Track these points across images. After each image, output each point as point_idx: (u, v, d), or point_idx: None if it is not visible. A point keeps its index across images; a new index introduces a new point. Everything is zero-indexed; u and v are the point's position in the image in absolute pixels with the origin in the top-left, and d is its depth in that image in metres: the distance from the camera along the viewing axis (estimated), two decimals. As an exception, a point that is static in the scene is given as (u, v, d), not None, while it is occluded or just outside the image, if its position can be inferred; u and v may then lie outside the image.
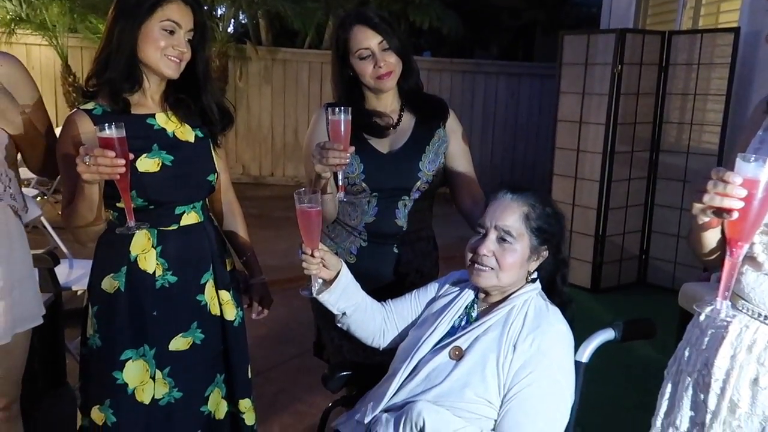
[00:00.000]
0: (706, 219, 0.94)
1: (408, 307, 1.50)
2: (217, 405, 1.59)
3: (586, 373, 1.32)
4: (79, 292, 2.84)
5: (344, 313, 1.43)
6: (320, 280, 1.39)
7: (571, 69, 4.25)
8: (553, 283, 1.38)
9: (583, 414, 1.31)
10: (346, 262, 1.67)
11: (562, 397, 1.23)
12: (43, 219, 3.09)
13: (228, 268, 1.60)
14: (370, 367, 1.60)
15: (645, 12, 5.30)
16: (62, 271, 2.65)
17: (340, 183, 1.52)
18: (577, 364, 1.29)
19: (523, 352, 1.23)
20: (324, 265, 1.36)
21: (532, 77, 7.61)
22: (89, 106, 1.41)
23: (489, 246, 1.31)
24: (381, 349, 1.51)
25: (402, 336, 1.48)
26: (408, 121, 1.72)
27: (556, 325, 1.28)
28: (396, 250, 1.70)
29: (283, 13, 6.37)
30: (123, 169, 1.23)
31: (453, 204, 1.79)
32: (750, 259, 1.00)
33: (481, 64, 7.87)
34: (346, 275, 1.41)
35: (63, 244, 3.21)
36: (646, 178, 4.29)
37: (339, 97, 1.70)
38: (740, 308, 1.03)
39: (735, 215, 0.89)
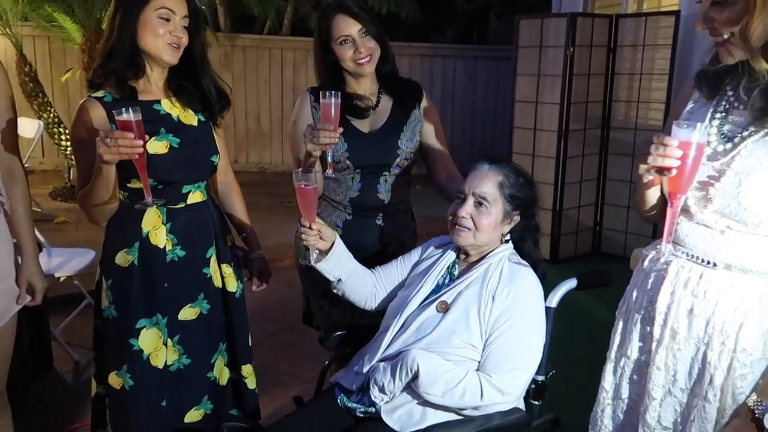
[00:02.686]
0: (651, 177, 1.13)
1: (395, 271, 1.66)
2: (221, 371, 1.72)
3: (554, 334, 1.51)
4: (62, 279, 2.90)
5: (339, 280, 1.58)
6: (317, 251, 1.53)
7: (526, 52, 4.46)
8: (525, 244, 1.56)
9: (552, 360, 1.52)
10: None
11: (536, 338, 1.43)
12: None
13: (228, 244, 1.73)
14: (361, 327, 1.77)
15: (594, -4, 5.56)
16: (41, 260, 2.70)
17: (329, 161, 1.65)
18: (547, 309, 1.49)
19: (500, 302, 1.42)
20: (320, 237, 1.50)
21: (488, 60, 7.81)
22: (100, 93, 1.51)
23: (467, 209, 1.49)
24: (373, 310, 1.67)
25: (391, 297, 1.64)
26: (386, 102, 1.85)
27: (527, 278, 1.47)
28: (379, 222, 1.84)
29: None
30: (141, 149, 1.34)
31: (431, 179, 1.94)
32: (684, 211, 1.19)
33: (438, 47, 8.02)
34: (339, 245, 1.56)
35: (39, 233, 3.25)
36: (598, 154, 4.56)
37: (322, 81, 1.82)
38: (676, 252, 1.22)
39: (673, 172, 1.07)
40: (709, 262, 1.16)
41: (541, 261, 1.58)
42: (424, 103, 1.91)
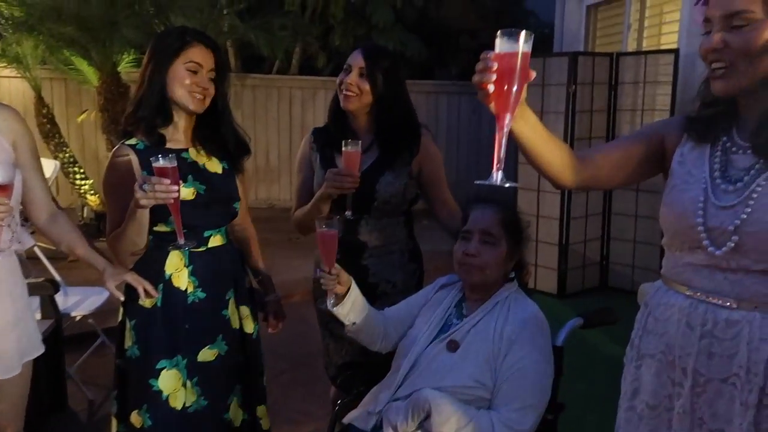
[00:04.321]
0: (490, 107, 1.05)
1: (404, 311, 1.71)
2: (235, 413, 1.76)
3: (563, 371, 1.55)
4: (77, 318, 2.95)
5: (354, 323, 1.63)
6: (335, 295, 1.58)
7: (530, 89, 4.50)
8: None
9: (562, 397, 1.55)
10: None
11: (544, 375, 1.47)
12: (36, 249, 3.19)
13: (246, 286, 1.79)
14: (373, 365, 1.81)
15: (594, 34, 5.70)
16: (58, 299, 2.76)
17: (349, 203, 1.72)
18: (554, 348, 1.53)
19: (509, 339, 1.47)
20: (338, 282, 1.56)
21: (492, 96, 7.94)
22: (132, 141, 1.61)
23: (475, 246, 1.55)
24: (383, 352, 1.71)
25: (401, 338, 1.69)
26: (375, 148, 1.87)
27: (535, 316, 1.52)
28: (365, 262, 1.86)
29: (252, 40, 6.56)
30: (177, 194, 1.43)
31: (435, 218, 1.98)
32: (696, 250, 1.16)
33: (443, 84, 8.20)
34: (355, 290, 1.61)
35: (56, 272, 3.32)
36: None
37: (330, 111, 1.92)
38: (685, 293, 1.19)
39: (491, 88, 1.00)
40: (724, 302, 1.14)
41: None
42: (423, 147, 1.90)
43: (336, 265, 1.55)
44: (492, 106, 1.04)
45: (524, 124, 1.13)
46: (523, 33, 0.98)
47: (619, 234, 4.62)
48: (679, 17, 4.57)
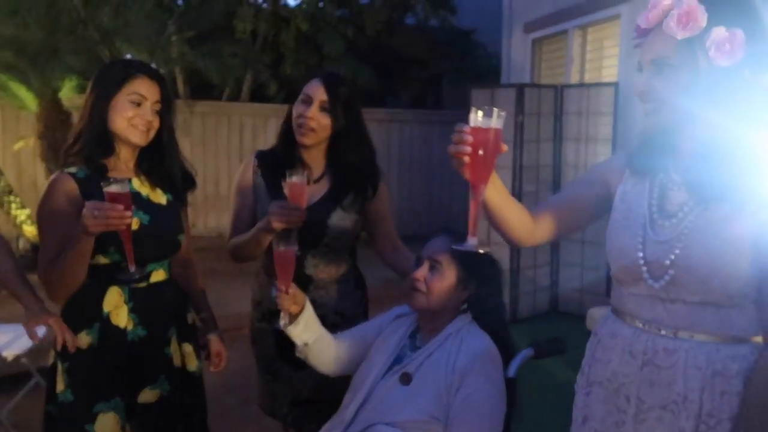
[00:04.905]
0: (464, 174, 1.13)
1: (358, 336, 1.68)
2: None
3: (516, 401, 1.53)
4: (8, 359, 2.77)
5: (306, 344, 1.58)
6: (288, 315, 1.54)
7: (478, 119, 4.65)
8: (485, 320, 1.57)
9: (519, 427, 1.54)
10: (269, 309, 1.82)
11: (497, 408, 1.46)
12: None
13: (189, 323, 1.72)
14: (324, 402, 1.76)
15: (539, 66, 5.90)
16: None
17: (295, 238, 1.59)
18: (507, 380, 1.52)
19: (461, 372, 1.45)
20: (294, 301, 1.52)
21: (443, 124, 8.10)
22: (72, 169, 1.54)
23: (422, 272, 1.54)
24: (334, 375, 1.67)
25: (353, 362, 1.64)
26: (326, 181, 1.82)
27: (487, 348, 1.51)
28: (310, 296, 1.73)
29: (201, 68, 6.49)
30: (130, 220, 1.37)
31: (377, 252, 1.94)
32: (636, 282, 1.22)
33: (395, 112, 8.30)
34: (309, 309, 1.57)
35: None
36: (551, 215, 4.72)
37: (279, 137, 1.83)
38: (629, 323, 1.25)
39: (466, 159, 1.08)
40: (664, 331, 1.19)
41: (510, 342, 1.59)
42: (378, 191, 1.86)
43: (292, 284, 1.51)
44: (467, 175, 1.12)
45: (493, 190, 1.22)
46: (496, 110, 1.08)
47: (568, 259, 4.73)
48: (618, 52, 4.79)
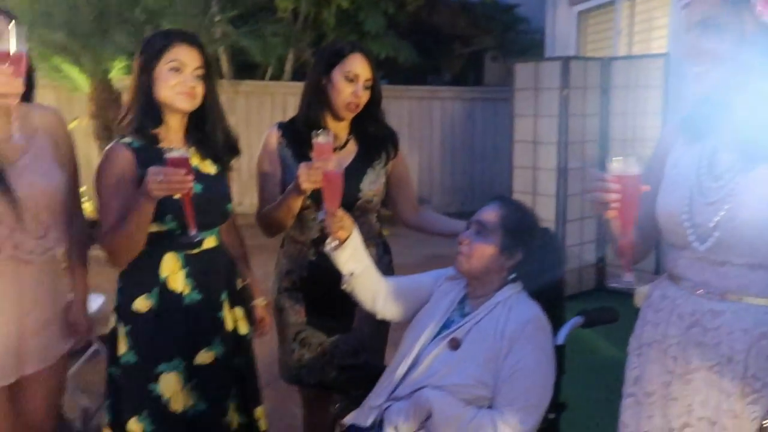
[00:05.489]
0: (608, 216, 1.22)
1: (408, 285, 1.70)
2: (232, 416, 1.73)
3: (563, 371, 1.54)
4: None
5: (352, 273, 1.59)
6: (336, 240, 1.55)
7: (523, 94, 4.59)
8: (549, 301, 1.58)
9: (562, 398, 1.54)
10: (300, 276, 1.87)
11: (546, 375, 1.46)
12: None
13: (238, 288, 1.77)
14: (369, 367, 1.79)
15: (585, 39, 5.75)
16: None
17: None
18: (556, 347, 1.52)
19: (510, 339, 1.46)
20: (341, 226, 1.53)
21: (485, 101, 8.00)
22: (127, 140, 1.59)
23: (466, 235, 1.55)
24: (378, 316, 1.69)
25: (398, 307, 1.66)
26: (352, 145, 1.87)
27: (537, 315, 1.51)
28: None
29: (244, 47, 6.56)
30: (191, 184, 1.42)
31: (401, 220, 1.99)
32: (683, 246, 1.24)
33: (436, 90, 8.23)
34: (356, 237, 1.58)
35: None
36: (597, 191, 4.63)
37: (304, 107, 1.84)
38: (679, 285, 1.26)
39: (614, 206, 1.18)
40: (713, 294, 1.21)
41: (560, 311, 1.60)
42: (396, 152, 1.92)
43: (340, 207, 1.52)
44: (614, 220, 1.22)
45: None
46: (634, 158, 1.18)
47: (613, 236, 4.62)
48: (667, 22, 4.62)
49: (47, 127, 1.57)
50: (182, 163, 1.42)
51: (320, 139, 1.58)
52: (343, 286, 1.64)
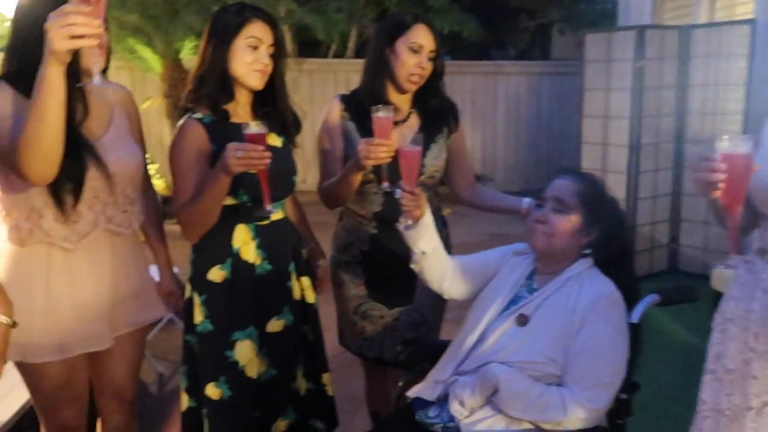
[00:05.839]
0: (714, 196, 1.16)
1: (475, 263, 1.67)
2: (300, 382, 1.78)
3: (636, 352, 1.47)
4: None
5: (423, 252, 1.58)
6: (410, 221, 1.54)
7: (594, 66, 4.40)
8: (610, 271, 1.52)
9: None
10: (360, 250, 1.87)
11: (620, 354, 1.41)
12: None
13: (304, 258, 1.80)
14: (432, 342, 1.79)
15: (662, 7, 5.43)
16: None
17: (385, 174, 1.65)
18: (630, 325, 1.46)
19: (582, 315, 1.41)
20: (417, 204, 1.52)
21: (552, 75, 7.75)
22: (198, 115, 1.61)
23: (545, 212, 1.50)
24: (445, 296, 1.68)
25: (466, 285, 1.65)
26: (414, 119, 1.85)
27: (610, 292, 1.46)
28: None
29: (309, 24, 6.59)
30: (269, 160, 1.45)
31: (457, 196, 1.97)
32: None
33: (501, 65, 8.04)
34: (429, 216, 1.57)
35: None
36: (672, 168, 4.42)
37: (367, 79, 1.82)
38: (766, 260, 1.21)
39: (720, 186, 1.12)
40: None
41: (635, 288, 1.54)
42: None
43: (416, 186, 1.50)
44: (722, 200, 1.18)
45: None
46: (741, 137, 1.15)
47: (691, 215, 4.41)
48: (756, -15, 4.29)
49: (121, 103, 1.61)
50: (260, 139, 1.44)
51: (380, 114, 1.57)
52: (412, 265, 1.63)
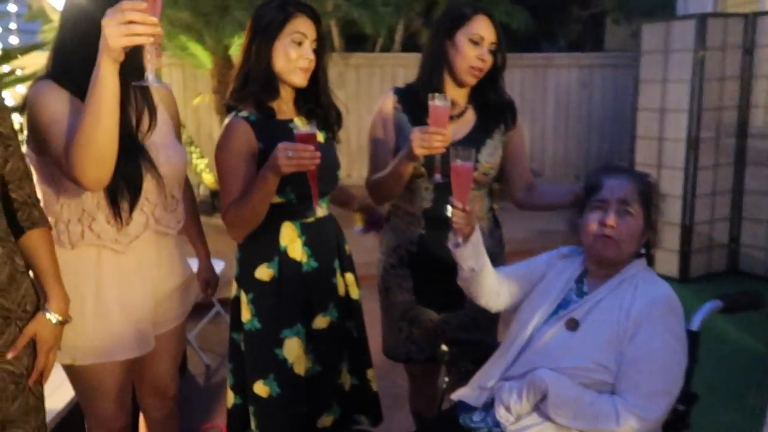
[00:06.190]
0: None
1: (522, 274, 1.61)
2: (345, 378, 1.77)
3: (696, 360, 1.40)
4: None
5: (472, 269, 1.53)
6: (460, 238, 1.50)
7: (650, 57, 4.22)
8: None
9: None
10: (408, 251, 1.81)
11: (677, 361, 1.33)
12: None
13: (347, 253, 1.78)
14: (480, 342, 1.74)
15: (725, -6, 5.17)
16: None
17: (438, 165, 1.59)
18: (689, 332, 1.38)
19: (637, 320, 1.34)
20: (467, 221, 1.47)
21: (604, 67, 7.50)
22: (244, 113, 1.59)
23: (613, 218, 1.41)
24: (492, 310, 1.63)
25: (513, 300, 1.60)
26: (470, 114, 1.79)
27: (667, 295, 1.38)
28: None
29: (356, 19, 6.58)
30: (318, 161, 1.42)
31: (512, 199, 1.90)
32: None
33: (551, 57, 7.82)
34: (478, 232, 1.52)
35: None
36: (734, 164, 4.20)
37: (425, 72, 1.76)
38: None
39: None
40: None
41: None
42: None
43: (468, 202, 1.46)
44: None
45: None
46: None
47: (753, 214, 4.19)
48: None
49: (164, 102, 1.58)
50: (311, 138, 1.42)
51: (437, 102, 1.51)
52: (459, 282, 1.59)
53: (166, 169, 1.48)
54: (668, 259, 4.17)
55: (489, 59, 1.70)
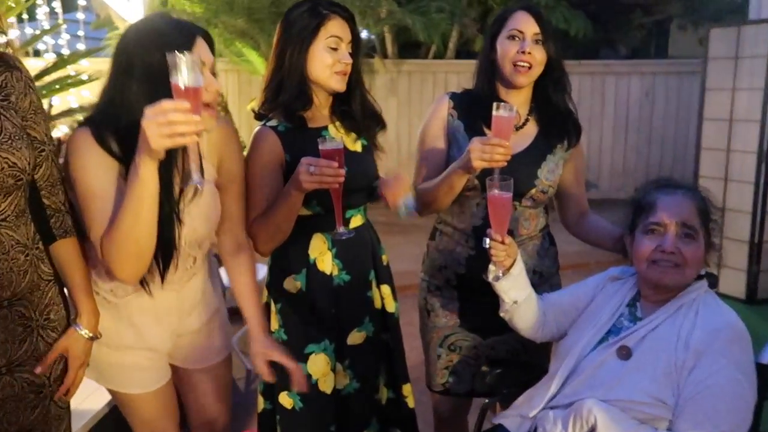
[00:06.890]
0: None
1: (567, 301, 1.52)
2: (381, 392, 1.71)
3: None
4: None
5: (515, 302, 1.45)
6: (500, 270, 1.42)
7: (718, 64, 3.98)
8: None
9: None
10: (456, 273, 1.70)
11: (744, 397, 1.20)
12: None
13: (384, 264, 1.70)
14: (525, 365, 1.64)
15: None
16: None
17: (497, 180, 1.45)
18: (759, 366, 1.24)
19: (698, 351, 1.22)
20: (507, 253, 1.40)
21: (668, 75, 7.18)
22: (273, 122, 1.53)
23: (674, 242, 1.30)
24: (537, 341, 1.54)
25: (560, 330, 1.50)
26: (532, 127, 1.68)
27: (731, 323, 1.25)
28: None
29: (409, 25, 6.53)
30: (343, 178, 1.35)
31: (564, 223, 1.78)
32: None
33: (610, 64, 7.56)
34: (520, 263, 1.44)
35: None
36: (810, 178, 3.91)
37: (476, 83, 1.68)
38: None
39: None
40: None
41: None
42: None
43: (507, 236, 1.37)
44: None
45: None
46: None
47: (829, 233, 3.88)
48: None
49: (217, 146, 1.42)
50: (336, 154, 1.34)
51: (501, 112, 1.41)
52: (502, 314, 1.50)
53: (191, 237, 1.35)
54: (735, 279, 3.91)
55: (535, 51, 1.57)
